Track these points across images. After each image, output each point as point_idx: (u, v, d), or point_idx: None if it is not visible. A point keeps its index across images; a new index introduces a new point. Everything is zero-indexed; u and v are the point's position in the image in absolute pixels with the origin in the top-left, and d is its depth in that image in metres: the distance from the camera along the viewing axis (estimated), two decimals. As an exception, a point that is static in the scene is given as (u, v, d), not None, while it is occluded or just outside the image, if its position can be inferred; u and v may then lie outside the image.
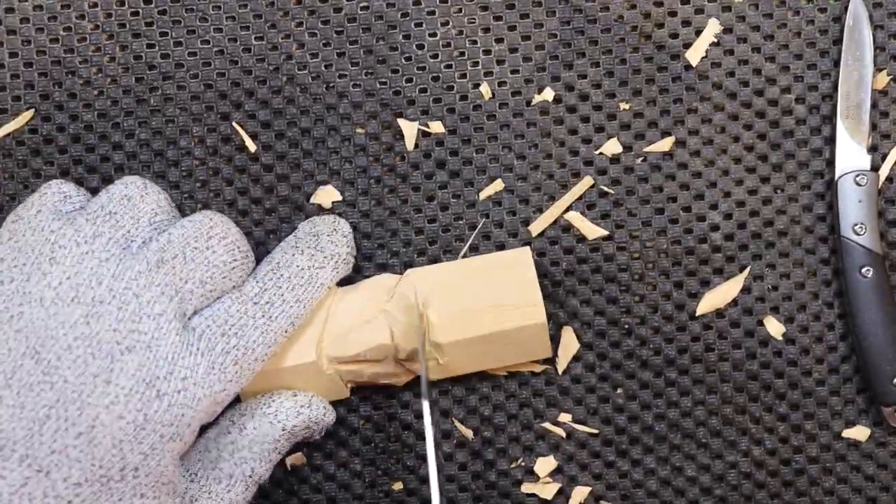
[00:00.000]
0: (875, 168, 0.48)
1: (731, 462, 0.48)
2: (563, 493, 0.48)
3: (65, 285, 0.39)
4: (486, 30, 0.48)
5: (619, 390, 0.48)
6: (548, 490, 0.48)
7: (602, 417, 0.48)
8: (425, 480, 0.49)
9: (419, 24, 0.48)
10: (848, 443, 0.48)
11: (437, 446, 0.40)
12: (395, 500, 0.49)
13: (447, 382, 0.48)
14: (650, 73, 0.48)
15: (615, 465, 0.48)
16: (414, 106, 0.48)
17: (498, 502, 0.48)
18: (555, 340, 0.48)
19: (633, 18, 0.48)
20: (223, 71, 0.49)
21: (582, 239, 0.48)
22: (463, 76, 0.48)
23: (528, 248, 0.46)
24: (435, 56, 0.48)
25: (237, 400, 0.45)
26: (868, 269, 0.47)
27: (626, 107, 0.48)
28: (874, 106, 0.48)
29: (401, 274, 0.47)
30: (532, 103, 0.48)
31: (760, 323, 0.48)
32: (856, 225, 0.47)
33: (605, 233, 0.48)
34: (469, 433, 0.48)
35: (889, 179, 0.48)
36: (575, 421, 0.48)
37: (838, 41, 0.48)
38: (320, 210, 0.48)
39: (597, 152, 0.48)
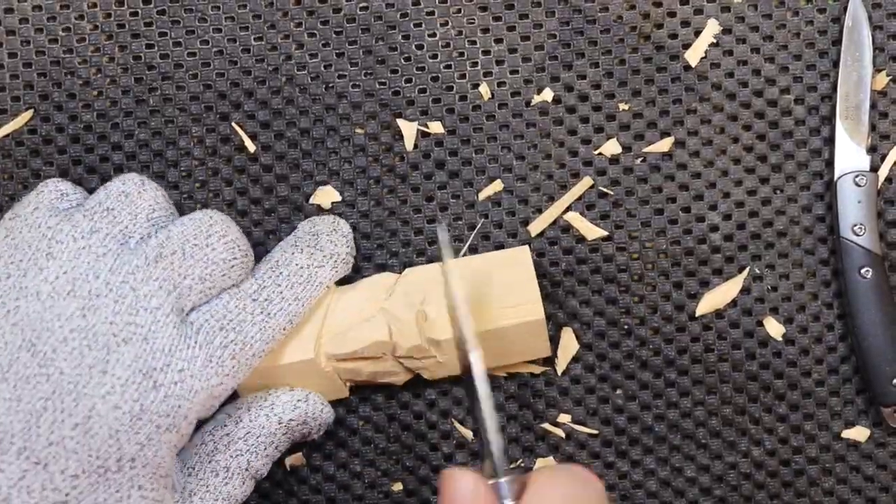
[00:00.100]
0: (874, 169, 0.48)
1: (730, 463, 0.48)
2: (563, 494, 0.48)
3: (61, 279, 0.39)
4: (486, 30, 0.48)
5: (619, 391, 0.48)
6: (547, 491, 0.48)
7: (602, 418, 0.48)
8: (425, 481, 0.48)
9: (418, 25, 0.48)
10: (847, 443, 0.48)
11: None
12: (394, 501, 0.49)
13: (447, 382, 0.48)
14: (649, 74, 0.48)
15: (615, 465, 0.48)
16: (413, 106, 0.48)
17: (497, 503, 0.48)
18: (554, 341, 0.48)
19: (633, 19, 0.48)
20: (222, 71, 0.49)
21: (581, 239, 0.48)
22: (462, 76, 0.48)
23: (526, 247, 0.46)
24: (434, 56, 0.48)
25: (234, 396, 0.45)
26: (867, 270, 0.47)
27: (626, 107, 0.48)
28: (873, 107, 0.48)
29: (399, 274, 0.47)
30: (531, 104, 0.48)
31: (760, 324, 0.48)
32: (855, 225, 0.47)
33: (605, 233, 0.48)
34: (469, 434, 0.48)
35: (888, 180, 0.48)
36: (574, 422, 0.48)
37: (837, 42, 0.48)
38: (320, 210, 0.48)
39: (596, 153, 0.48)
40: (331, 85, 0.48)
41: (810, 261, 0.48)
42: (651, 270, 0.48)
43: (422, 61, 0.48)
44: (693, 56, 0.48)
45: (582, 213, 0.48)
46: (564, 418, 0.48)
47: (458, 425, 0.48)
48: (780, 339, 0.48)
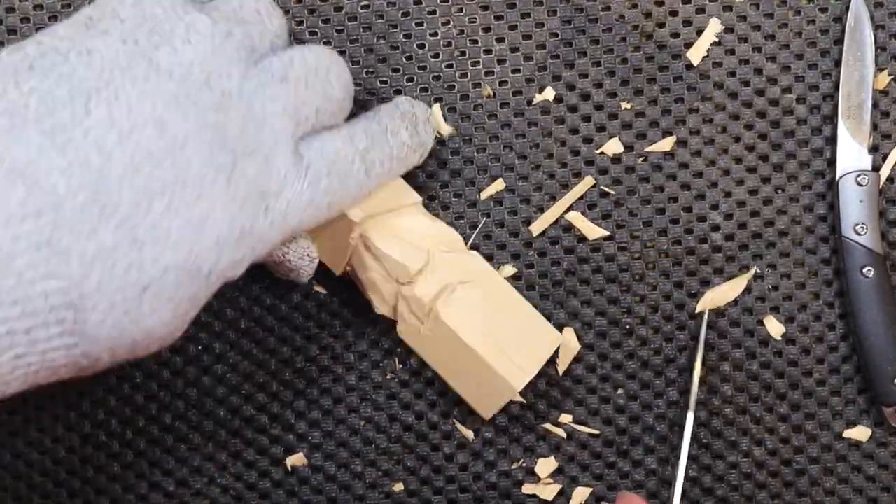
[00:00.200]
0: (876, 168, 0.48)
1: (731, 462, 0.48)
2: (564, 494, 0.48)
3: (197, 68, 0.37)
4: (487, 29, 0.48)
5: (620, 391, 0.48)
6: (548, 491, 0.48)
7: (603, 418, 0.48)
8: (426, 481, 0.48)
9: (420, 24, 0.48)
10: (849, 443, 0.48)
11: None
12: (395, 502, 0.48)
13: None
14: (651, 73, 0.48)
15: (616, 465, 0.48)
16: (414, 105, 0.48)
17: (499, 503, 0.48)
18: (555, 341, 0.48)
19: (635, 18, 0.48)
20: (223, 70, 0.48)
21: (583, 239, 0.48)
22: (464, 75, 0.48)
23: (561, 337, 0.46)
24: (436, 55, 0.48)
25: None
26: (869, 269, 0.47)
27: (628, 106, 0.48)
28: (875, 106, 0.48)
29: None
30: (533, 102, 0.48)
31: (761, 323, 0.48)
32: (857, 225, 0.47)
33: (606, 233, 0.48)
34: (470, 434, 0.48)
35: (890, 179, 0.48)
36: (576, 422, 0.48)
37: (839, 41, 0.48)
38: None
39: (598, 152, 0.48)
40: (332, 84, 0.48)
41: (812, 260, 0.48)
42: (652, 270, 0.48)
43: (423, 60, 0.48)
44: (695, 55, 0.48)
45: (583, 213, 0.48)
46: (566, 418, 0.48)
47: (459, 426, 0.48)
48: (780, 338, 0.48)
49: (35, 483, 0.49)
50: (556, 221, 0.48)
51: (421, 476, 0.48)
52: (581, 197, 0.48)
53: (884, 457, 0.48)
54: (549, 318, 0.48)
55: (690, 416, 0.45)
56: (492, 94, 0.48)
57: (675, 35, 0.48)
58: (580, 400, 0.48)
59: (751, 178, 0.48)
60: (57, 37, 0.37)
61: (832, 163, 0.48)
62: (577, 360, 0.48)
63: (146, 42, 0.37)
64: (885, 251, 0.47)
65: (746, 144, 0.48)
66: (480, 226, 0.48)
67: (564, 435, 0.48)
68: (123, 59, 0.36)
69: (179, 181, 0.36)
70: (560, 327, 0.48)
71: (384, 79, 0.48)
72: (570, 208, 0.48)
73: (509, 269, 0.48)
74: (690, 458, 0.48)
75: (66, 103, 0.35)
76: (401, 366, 0.48)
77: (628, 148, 0.48)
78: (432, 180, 0.48)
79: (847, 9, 0.48)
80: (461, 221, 0.48)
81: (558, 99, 0.48)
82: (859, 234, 0.47)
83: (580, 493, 0.48)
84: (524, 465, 0.48)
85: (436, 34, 0.48)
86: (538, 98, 0.48)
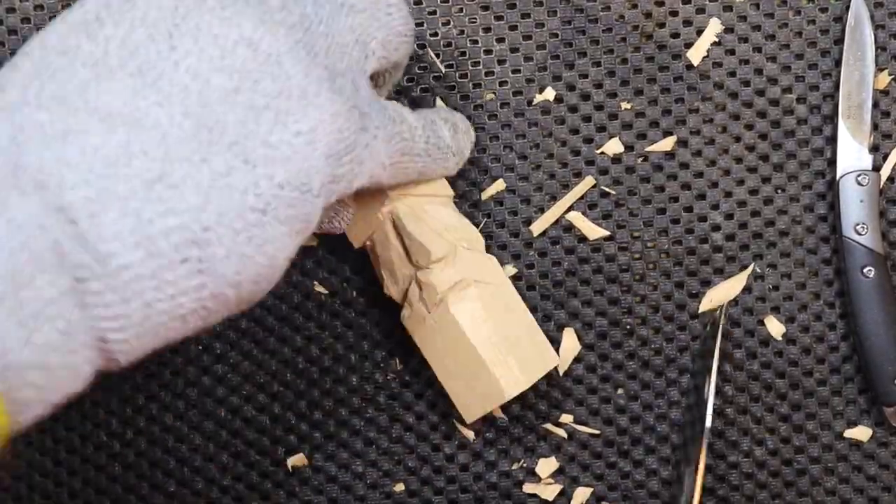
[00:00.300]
0: (876, 168, 0.48)
1: (732, 462, 0.48)
2: (565, 494, 0.48)
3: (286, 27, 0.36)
4: (488, 29, 0.48)
5: (621, 391, 0.48)
6: (549, 491, 0.48)
7: (604, 418, 0.48)
8: (427, 482, 0.48)
9: (420, 24, 0.48)
10: (850, 443, 0.48)
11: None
12: (396, 502, 0.48)
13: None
14: (651, 73, 0.48)
15: (617, 465, 0.48)
16: (416, 106, 0.48)
17: (499, 503, 0.48)
18: (556, 342, 0.48)
19: (635, 18, 0.48)
20: (223, 70, 0.48)
21: (583, 239, 0.48)
22: (464, 76, 0.48)
23: (558, 359, 0.46)
24: (436, 55, 0.48)
25: None
26: (870, 269, 0.47)
27: (628, 106, 0.48)
28: (875, 105, 0.48)
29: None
30: (533, 103, 0.48)
31: (761, 323, 0.48)
32: (857, 225, 0.47)
33: (607, 233, 0.48)
34: (471, 434, 0.48)
35: (890, 179, 0.48)
36: (576, 422, 0.48)
37: (839, 41, 0.48)
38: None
39: (598, 152, 0.48)
40: (332, 84, 0.48)
41: (812, 260, 0.48)
42: (653, 270, 0.48)
43: (424, 60, 0.48)
44: (695, 55, 0.48)
45: (584, 213, 0.48)
46: (567, 418, 0.48)
47: (459, 426, 0.48)
48: (781, 338, 0.48)
49: (35, 483, 0.49)
50: (556, 222, 0.48)
51: (422, 476, 0.48)
52: (581, 197, 0.48)
53: (884, 457, 0.48)
54: (549, 318, 0.48)
55: (710, 408, 0.45)
56: (494, 96, 0.48)
57: (676, 35, 0.48)
58: (581, 400, 0.48)
59: (751, 177, 0.48)
60: None
61: (833, 163, 0.48)
62: (577, 360, 0.48)
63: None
64: (886, 251, 0.47)
65: (747, 144, 0.48)
66: (481, 226, 0.48)
67: (565, 435, 0.48)
68: None
69: (283, 94, 0.35)
70: (561, 327, 0.48)
71: (384, 79, 0.48)
72: (570, 208, 0.48)
73: (510, 270, 0.48)
74: (689, 459, 0.48)
75: (148, 44, 0.34)
76: (402, 366, 0.48)
77: (629, 148, 0.48)
78: (433, 180, 0.48)
79: (847, 9, 0.48)
80: (462, 222, 0.48)
81: (558, 99, 0.48)
82: (860, 234, 0.47)
83: (581, 493, 0.48)
84: (525, 465, 0.48)
85: (436, 34, 0.48)
86: (538, 98, 0.48)
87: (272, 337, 0.48)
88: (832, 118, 0.48)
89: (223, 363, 0.48)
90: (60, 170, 0.31)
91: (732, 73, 0.48)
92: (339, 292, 0.48)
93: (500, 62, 0.48)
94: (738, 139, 0.48)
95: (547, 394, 0.48)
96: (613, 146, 0.48)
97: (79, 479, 0.49)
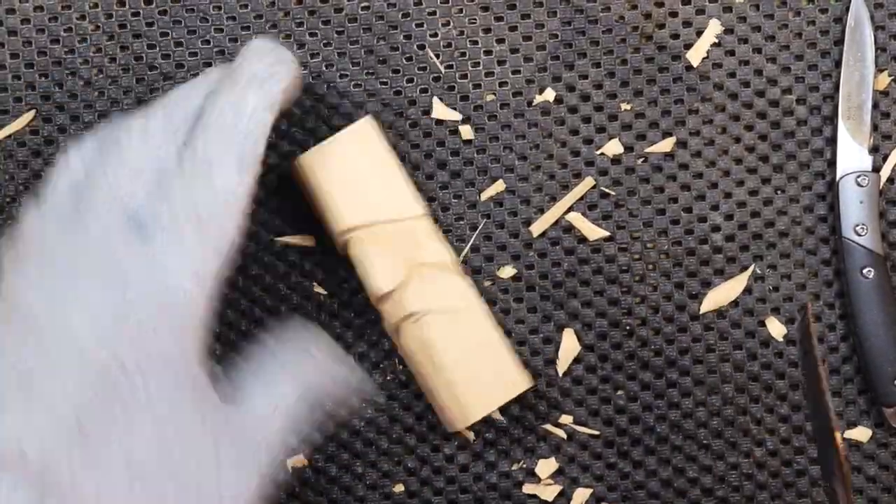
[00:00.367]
0: (876, 169, 0.48)
1: (732, 463, 0.48)
2: (565, 495, 0.48)
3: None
4: (487, 30, 0.48)
5: (621, 392, 0.48)
6: (549, 492, 0.48)
7: (603, 419, 0.48)
8: (426, 482, 0.48)
9: (420, 25, 0.48)
10: (849, 444, 0.48)
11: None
12: (396, 503, 0.48)
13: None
14: (651, 74, 0.48)
15: (616, 466, 0.48)
16: (415, 106, 0.48)
17: (499, 504, 0.48)
18: (555, 343, 0.48)
19: (634, 19, 0.48)
20: (224, 72, 0.48)
21: (583, 240, 0.48)
22: (464, 76, 0.48)
23: (529, 380, 0.45)
24: (436, 56, 0.48)
25: None
26: (869, 270, 0.47)
27: (628, 107, 0.48)
28: (875, 107, 0.48)
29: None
30: (533, 104, 0.48)
31: (762, 324, 0.48)
32: (857, 226, 0.47)
33: (607, 234, 0.48)
34: (470, 435, 0.48)
35: (890, 180, 0.48)
36: (576, 422, 0.48)
37: (839, 42, 0.48)
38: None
39: (598, 153, 0.48)
40: (332, 84, 0.48)
41: (812, 261, 0.48)
42: (653, 271, 0.48)
43: (423, 61, 0.48)
44: (695, 56, 0.48)
45: (584, 214, 0.48)
46: (566, 419, 0.48)
47: (459, 426, 0.48)
48: (781, 339, 0.48)
49: (36, 484, 0.49)
50: (556, 222, 0.48)
51: (421, 477, 0.48)
52: (581, 198, 0.48)
53: (884, 457, 0.48)
54: (549, 319, 0.48)
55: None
56: (494, 97, 0.48)
57: (675, 36, 0.48)
58: (580, 401, 0.48)
59: (751, 178, 0.48)
60: None
61: (832, 164, 0.48)
62: (577, 361, 0.48)
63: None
64: (886, 252, 0.47)
65: (746, 145, 0.48)
66: (480, 227, 0.48)
67: (565, 436, 0.48)
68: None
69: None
70: (560, 328, 0.48)
71: (384, 80, 0.48)
72: (570, 209, 0.48)
73: (509, 271, 0.48)
74: (691, 458, 0.48)
75: None
76: (401, 367, 0.48)
77: (628, 149, 0.48)
78: (432, 181, 0.48)
79: (847, 10, 0.48)
80: (461, 223, 0.48)
81: (558, 100, 0.48)
82: (859, 235, 0.47)
83: (581, 494, 0.48)
84: (525, 465, 0.48)
85: (436, 35, 0.48)
86: (538, 99, 0.48)
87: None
88: (832, 119, 0.48)
89: (223, 364, 0.48)
90: None
91: (732, 75, 0.48)
92: (338, 293, 0.48)
93: (500, 63, 0.48)
94: (737, 140, 0.48)
95: (546, 394, 0.48)
96: (613, 147, 0.48)
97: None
